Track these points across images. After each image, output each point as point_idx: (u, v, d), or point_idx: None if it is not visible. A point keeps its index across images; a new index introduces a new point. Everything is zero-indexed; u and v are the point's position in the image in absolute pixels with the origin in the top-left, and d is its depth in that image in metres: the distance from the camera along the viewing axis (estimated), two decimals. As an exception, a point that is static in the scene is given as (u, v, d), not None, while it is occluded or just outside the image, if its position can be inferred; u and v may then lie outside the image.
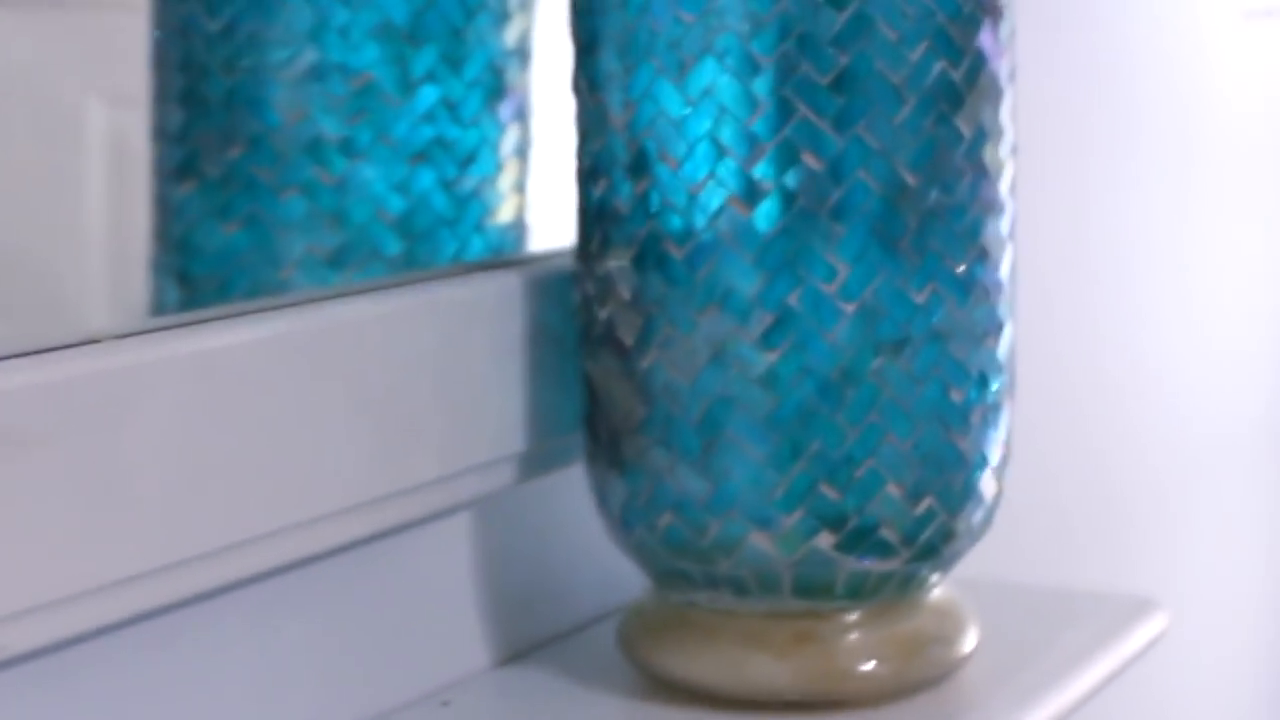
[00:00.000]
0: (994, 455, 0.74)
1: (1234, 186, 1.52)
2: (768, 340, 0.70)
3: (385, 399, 0.70)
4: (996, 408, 0.74)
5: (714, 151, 0.70)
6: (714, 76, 0.70)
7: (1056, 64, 1.28)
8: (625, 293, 0.72)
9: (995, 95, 0.72)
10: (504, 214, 0.81)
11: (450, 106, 0.78)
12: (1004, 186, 0.73)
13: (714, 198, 0.70)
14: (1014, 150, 0.74)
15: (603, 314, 0.73)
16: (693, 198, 0.70)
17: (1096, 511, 1.36)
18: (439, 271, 0.76)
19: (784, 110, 0.69)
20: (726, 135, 0.70)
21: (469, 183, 0.79)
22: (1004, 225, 0.73)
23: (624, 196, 0.72)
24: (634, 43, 0.71)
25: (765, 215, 0.70)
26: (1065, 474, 1.31)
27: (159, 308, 0.81)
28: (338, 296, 0.71)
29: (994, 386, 0.73)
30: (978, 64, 0.71)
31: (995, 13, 0.72)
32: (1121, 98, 1.37)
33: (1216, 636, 1.57)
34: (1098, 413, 1.35)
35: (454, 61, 0.78)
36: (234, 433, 0.64)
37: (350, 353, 0.69)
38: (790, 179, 0.69)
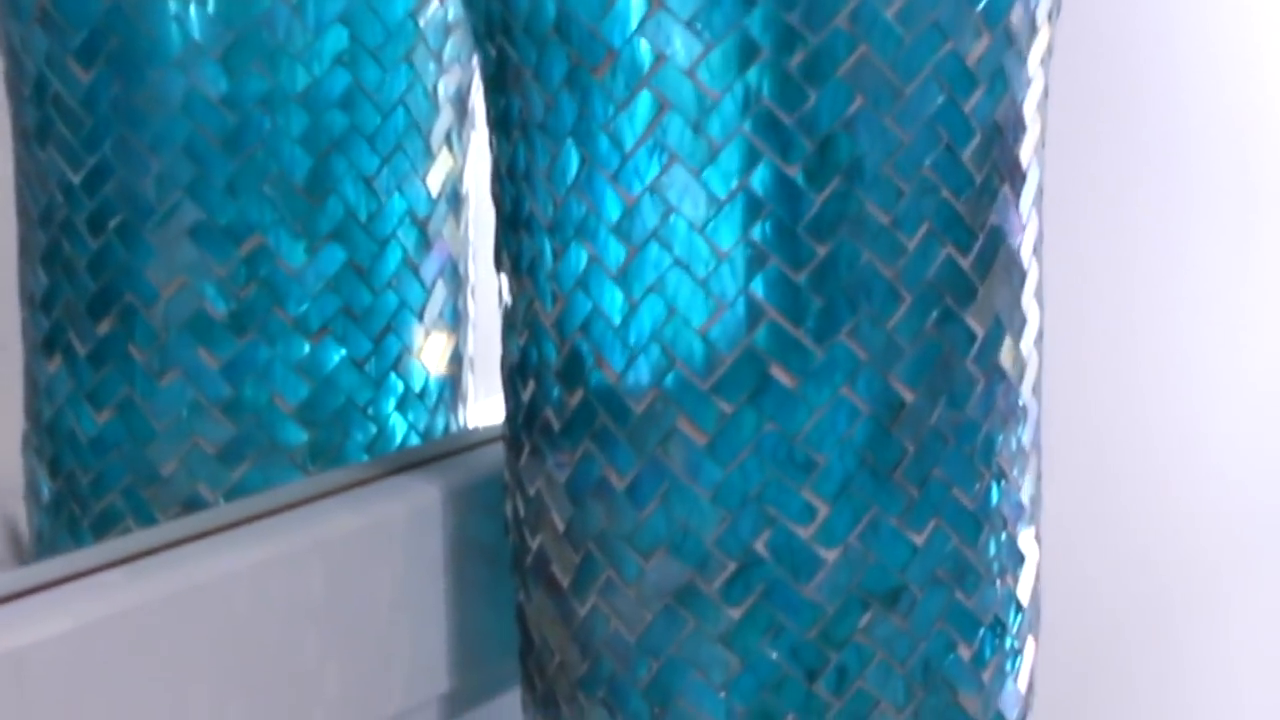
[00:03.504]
0: (1012, 711, 0.58)
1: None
2: (730, 593, 0.54)
3: (264, 660, 0.54)
4: (1015, 654, 0.57)
5: (663, 361, 0.54)
6: (662, 270, 0.53)
7: (1099, 98, 1.11)
8: (559, 522, 0.56)
9: (1017, 278, 0.56)
10: (432, 388, 0.65)
11: (360, 270, 0.62)
12: (1026, 388, 0.57)
13: (663, 418, 0.54)
14: (1039, 340, 0.58)
15: (534, 543, 0.57)
16: (638, 416, 0.54)
17: (1140, 604, 1.20)
18: (335, 482, 0.60)
19: (750, 313, 0.53)
20: (678, 342, 0.54)
21: (385, 358, 0.63)
22: (1026, 434, 0.57)
23: (554, 406, 0.56)
24: (563, 221, 0.55)
25: (727, 442, 0.54)
26: (1103, 562, 1.15)
27: (34, 498, 0.65)
28: (204, 535, 0.55)
29: (1013, 630, 0.57)
30: (994, 244, 0.55)
31: (1016, 176, 0.56)
32: (1174, 130, 1.19)
33: None
34: (1139, 492, 1.19)
35: (364, 216, 0.62)
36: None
37: (219, 611, 0.53)
38: (757, 398, 0.53)
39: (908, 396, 0.54)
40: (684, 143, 0.52)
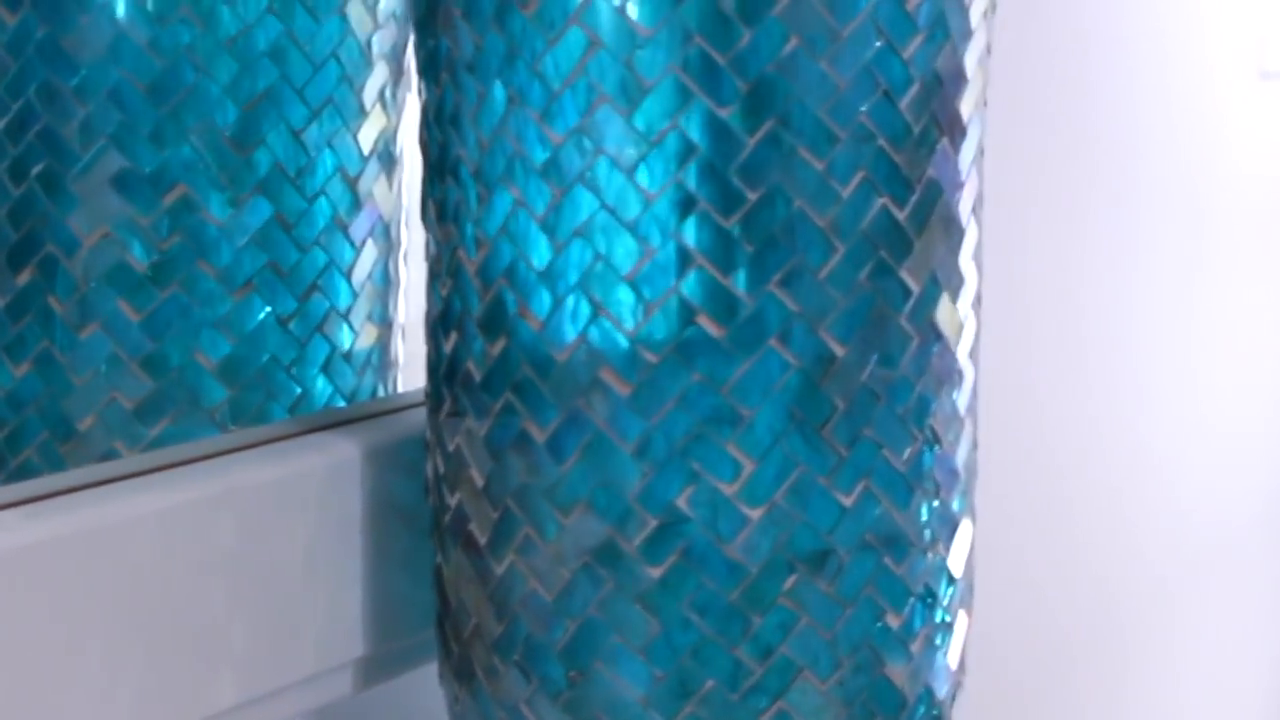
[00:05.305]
0: (942, 686, 0.54)
1: (1245, 257, 1.32)
2: (651, 551, 0.51)
3: (167, 610, 0.51)
4: (946, 627, 0.54)
5: (588, 310, 0.51)
6: (588, 214, 0.50)
7: (1057, 125, 1.09)
8: (478, 478, 0.53)
9: (954, 236, 0.53)
10: (359, 351, 0.62)
11: (287, 225, 0.59)
12: (962, 351, 0.54)
13: (587, 368, 0.51)
14: (977, 302, 0.55)
15: (452, 500, 0.54)
16: (560, 366, 0.51)
17: (1090, 617, 1.16)
18: (253, 437, 0.56)
19: (679, 260, 0.50)
20: (603, 290, 0.50)
21: (311, 318, 0.60)
22: (961, 399, 0.54)
23: (476, 356, 0.53)
24: (489, 165, 0.51)
25: (651, 393, 0.50)
26: (1053, 576, 1.12)
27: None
28: (108, 482, 0.52)
29: (944, 602, 0.54)
30: (930, 198, 0.52)
31: (956, 130, 0.53)
32: (1127, 161, 1.17)
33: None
34: (1090, 507, 1.16)
35: (293, 171, 0.59)
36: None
37: (121, 557, 0.50)
38: (684, 348, 0.50)
39: (839, 351, 0.50)
40: (613, 82, 0.49)
